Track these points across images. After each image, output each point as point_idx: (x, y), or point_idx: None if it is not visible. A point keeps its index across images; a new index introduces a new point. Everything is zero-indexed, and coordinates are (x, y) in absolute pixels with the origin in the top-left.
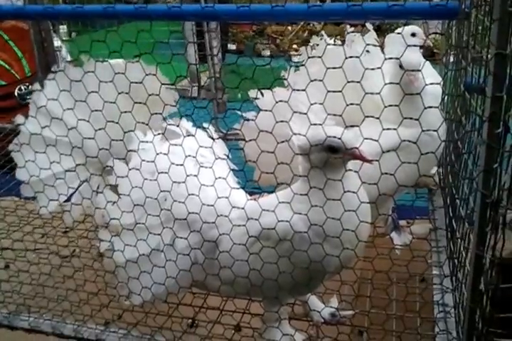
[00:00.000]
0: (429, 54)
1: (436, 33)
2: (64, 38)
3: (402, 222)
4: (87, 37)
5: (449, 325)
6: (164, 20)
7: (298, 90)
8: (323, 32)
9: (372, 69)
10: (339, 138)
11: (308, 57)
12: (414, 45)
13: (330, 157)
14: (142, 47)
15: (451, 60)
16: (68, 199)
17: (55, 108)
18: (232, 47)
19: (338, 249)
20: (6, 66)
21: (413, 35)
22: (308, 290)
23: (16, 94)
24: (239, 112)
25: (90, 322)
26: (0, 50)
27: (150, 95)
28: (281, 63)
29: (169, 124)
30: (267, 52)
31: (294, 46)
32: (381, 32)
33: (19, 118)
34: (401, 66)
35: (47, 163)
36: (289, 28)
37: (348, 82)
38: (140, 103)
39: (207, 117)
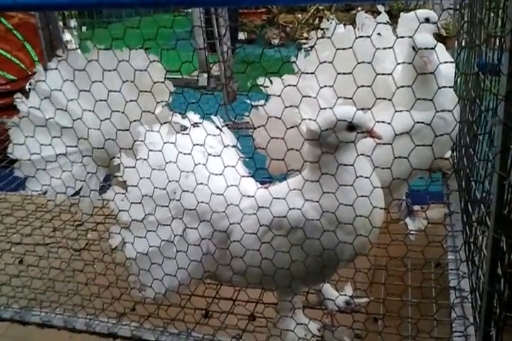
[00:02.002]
0: (438, 39)
1: (450, 9)
2: (74, 32)
3: (416, 207)
4: (96, 31)
5: (466, 310)
6: (171, 6)
7: (308, 73)
8: (332, 16)
9: (384, 48)
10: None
11: (318, 38)
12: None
13: (343, 138)
14: (148, 36)
15: (464, 40)
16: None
17: (57, 96)
18: (242, 36)
19: (352, 235)
20: (16, 61)
21: (427, 19)
22: (322, 278)
23: (26, 88)
24: (248, 101)
25: (102, 316)
26: (10, 45)
27: (140, 91)
28: (292, 51)
29: (176, 115)
30: (277, 41)
31: (304, 34)
32: (391, 16)
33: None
34: (414, 48)
35: (51, 153)
36: (299, 16)
37: (359, 63)
38: (141, 91)
39: (217, 106)
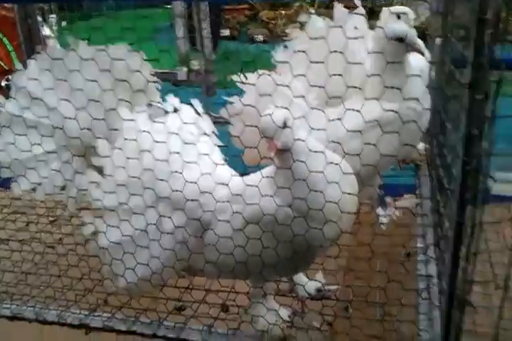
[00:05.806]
0: (419, 36)
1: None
2: (54, 27)
3: (388, 199)
4: (76, 25)
5: (432, 295)
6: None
7: (283, 62)
8: (312, 10)
9: (356, 38)
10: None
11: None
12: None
13: None
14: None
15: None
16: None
17: (36, 88)
18: (225, 33)
19: (322, 222)
20: None
21: (398, 17)
22: (294, 267)
23: (3, 84)
24: (225, 98)
25: (74, 308)
26: None
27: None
28: (274, 48)
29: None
30: (260, 38)
31: (287, 31)
32: (374, 14)
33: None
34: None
35: (27, 144)
36: (283, 12)
37: (332, 52)
38: (122, 81)
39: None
